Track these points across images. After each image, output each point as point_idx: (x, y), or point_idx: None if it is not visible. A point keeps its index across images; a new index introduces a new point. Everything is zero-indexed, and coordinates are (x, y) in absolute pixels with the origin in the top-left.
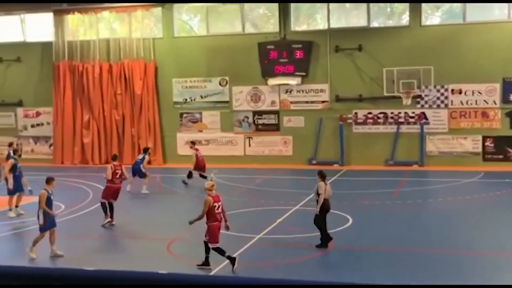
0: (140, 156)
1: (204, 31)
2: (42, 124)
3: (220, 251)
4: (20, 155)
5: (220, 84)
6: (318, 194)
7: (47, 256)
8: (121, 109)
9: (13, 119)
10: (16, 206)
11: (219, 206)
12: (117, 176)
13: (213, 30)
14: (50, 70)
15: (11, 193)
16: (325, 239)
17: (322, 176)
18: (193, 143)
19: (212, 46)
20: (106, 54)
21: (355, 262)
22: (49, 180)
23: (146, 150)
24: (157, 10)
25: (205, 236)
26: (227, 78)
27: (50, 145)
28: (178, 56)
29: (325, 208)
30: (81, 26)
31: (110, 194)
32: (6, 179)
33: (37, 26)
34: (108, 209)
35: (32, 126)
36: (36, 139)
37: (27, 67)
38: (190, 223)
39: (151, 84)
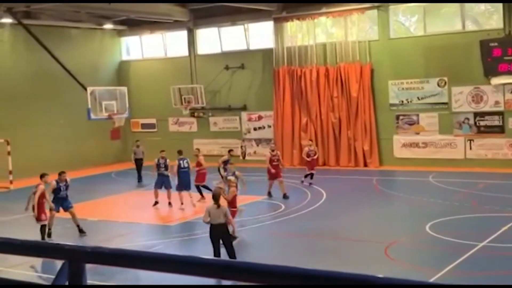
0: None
1: (421, 31)
2: (264, 127)
3: None
4: (244, 157)
5: (438, 85)
6: None
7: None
8: (338, 112)
9: (238, 122)
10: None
11: None
12: None
13: (431, 30)
14: (271, 76)
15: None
16: None
17: None
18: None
19: (429, 46)
20: (323, 58)
21: None
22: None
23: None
24: (373, 13)
25: None
26: (445, 78)
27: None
28: (394, 57)
29: None
30: (299, 32)
31: None
32: None
33: (258, 34)
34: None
35: (255, 129)
36: (258, 141)
37: (250, 73)
38: None
39: (367, 87)
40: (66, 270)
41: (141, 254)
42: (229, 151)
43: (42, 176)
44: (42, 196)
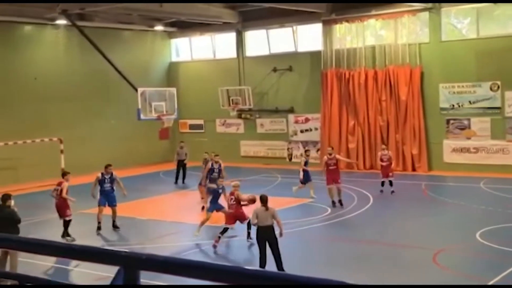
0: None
1: (474, 34)
2: (311, 130)
3: None
4: (290, 159)
5: (491, 89)
6: None
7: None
8: (386, 115)
9: (285, 124)
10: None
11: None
12: None
13: (484, 33)
14: (319, 78)
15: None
16: None
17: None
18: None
19: (482, 49)
20: (372, 60)
21: None
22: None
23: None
24: (424, 15)
25: None
26: (498, 82)
27: (317, 150)
28: (445, 60)
29: None
30: (348, 35)
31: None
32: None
33: (307, 37)
34: None
35: (302, 131)
36: (305, 144)
37: (298, 75)
38: None
39: (417, 90)
40: (121, 276)
41: (193, 264)
42: (306, 151)
43: (64, 174)
44: (66, 192)
